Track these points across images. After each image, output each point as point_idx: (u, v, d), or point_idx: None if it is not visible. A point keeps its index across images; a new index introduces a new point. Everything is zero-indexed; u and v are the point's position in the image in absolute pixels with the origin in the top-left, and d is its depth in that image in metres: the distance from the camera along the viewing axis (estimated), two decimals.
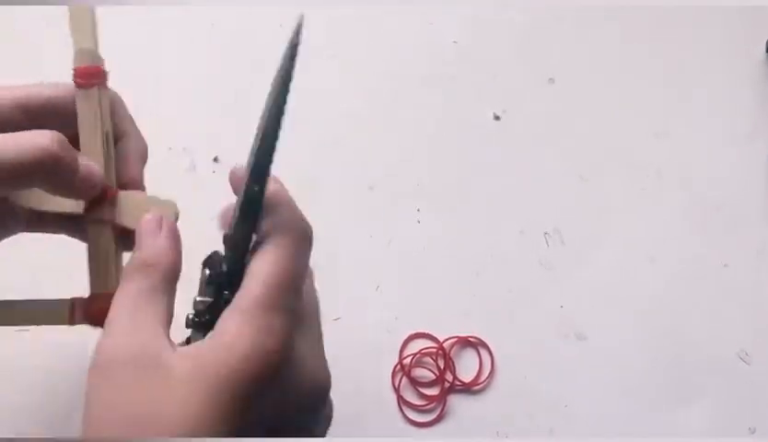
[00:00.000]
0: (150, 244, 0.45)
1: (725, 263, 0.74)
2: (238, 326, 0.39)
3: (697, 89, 0.79)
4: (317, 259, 0.71)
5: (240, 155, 0.74)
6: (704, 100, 0.79)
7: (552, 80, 0.79)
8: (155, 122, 0.75)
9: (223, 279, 0.43)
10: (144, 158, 0.52)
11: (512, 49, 0.80)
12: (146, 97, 0.76)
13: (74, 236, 0.51)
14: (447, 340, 0.70)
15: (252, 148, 0.46)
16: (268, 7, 0.79)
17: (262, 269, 0.41)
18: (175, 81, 0.77)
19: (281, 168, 0.74)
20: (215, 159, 0.74)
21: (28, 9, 0.78)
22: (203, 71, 0.78)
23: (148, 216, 0.46)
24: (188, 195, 0.73)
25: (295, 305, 0.42)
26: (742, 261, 0.74)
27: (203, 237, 0.70)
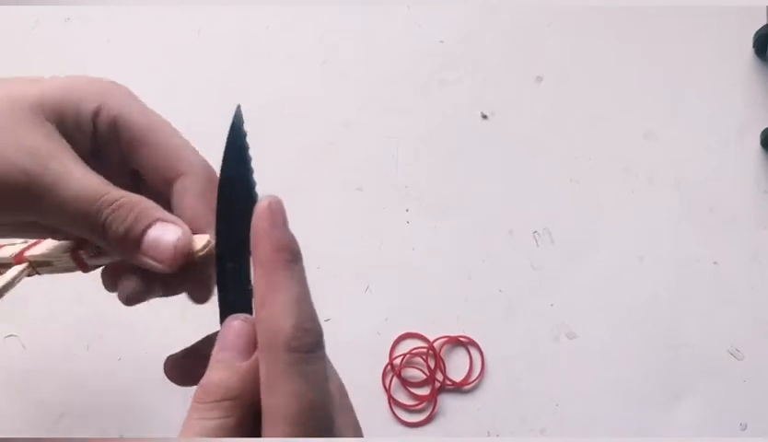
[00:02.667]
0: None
1: (715, 261, 0.74)
2: None
3: (686, 89, 0.79)
4: (307, 260, 0.71)
5: None
6: (694, 100, 0.79)
7: (539, 79, 0.79)
8: None
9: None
10: (203, 194, 0.44)
11: (500, 48, 0.80)
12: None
13: None
14: (437, 340, 0.70)
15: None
16: (252, 13, 0.79)
17: (279, 409, 0.34)
18: (163, 83, 0.77)
19: (269, 171, 0.74)
20: None
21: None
22: (191, 73, 0.78)
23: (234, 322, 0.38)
24: None
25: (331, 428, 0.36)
26: (733, 258, 0.74)
27: None
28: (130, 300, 0.43)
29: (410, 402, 0.68)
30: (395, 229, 0.73)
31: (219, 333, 0.38)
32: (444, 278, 0.72)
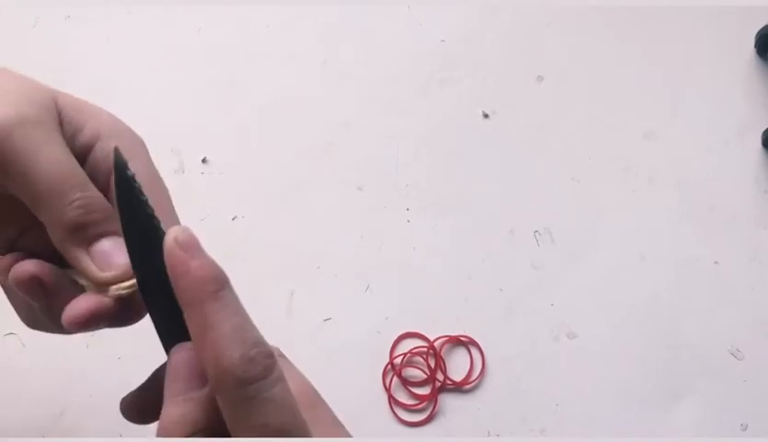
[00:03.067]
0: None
1: (715, 261, 0.74)
2: None
3: (687, 89, 0.79)
4: (307, 260, 0.72)
5: (229, 156, 0.75)
6: (694, 100, 0.79)
7: (540, 78, 0.79)
8: (142, 124, 0.75)
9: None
10: None
11: (500, 48, 0.80)
12: (134, 98, 0.76)
13: None
14: (437, 339, 0.69)
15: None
16: (253, 12, 0.80)
17: None
18: (163, 83, 0.77)
19: (269, 170, 0.74)
20: (204, 160, 0.74)
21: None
22: (191, 73, 0.78)
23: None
24: (176, 197, 0.74)
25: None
26: (733, 258, 0.74)
27: None
28: (80, 325, 0.39)
29: (410, 402, 0.68)
30: (395, 229, 0.73)
31: (167, 366, 0.35)
32: (444, 278, 0.72)
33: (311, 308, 0.70)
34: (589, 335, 0.71)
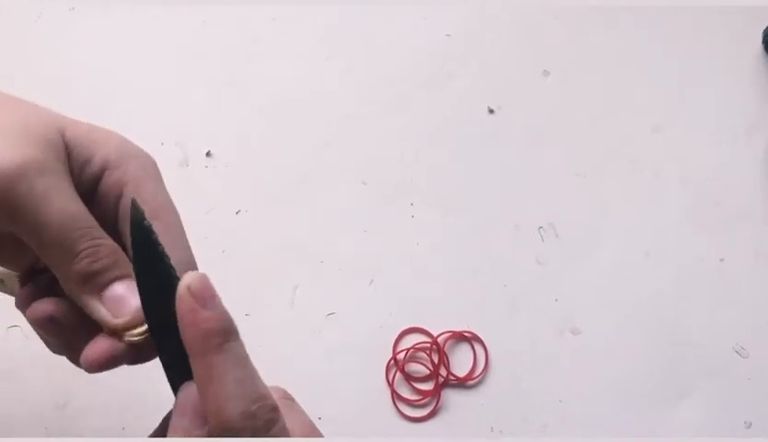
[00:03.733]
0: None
1: (721, 258, 0.73)
2: None
3: (695, 84, 0.79)
4: (311, 254, 0.72)
5: (233, 150, 0.75)
6: (703, 95, 0.79)
7: (546, 73, 0.78)
8: (147, 117, 0.75)
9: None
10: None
11: (506, 42, 0.80)
12: (139, 91, 0.76)
13: None
14: (441, 334, 0.69)
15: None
16: (258, 5, 0.79)
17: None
18: (167, 76, 0.77)
19: (274, 165, 0.74)
20: (208, 154, 0.74)
21: None
22: (196, 66, 0.77)
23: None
24: (180, 190, 0.74)
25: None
26: (739, 256, 0.74)
27: (196, 233, 0.71)
28: (98, 367, 0.40)
29: (413, 397, 0.68)
30: (400, 224, 0.73)
31: (176, 400, 0.36)
32: (448, 273, 0.72)
33: (315, 303, 0.70)
34: (593, 332, 0.71)
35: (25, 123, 0.38)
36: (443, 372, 0.68)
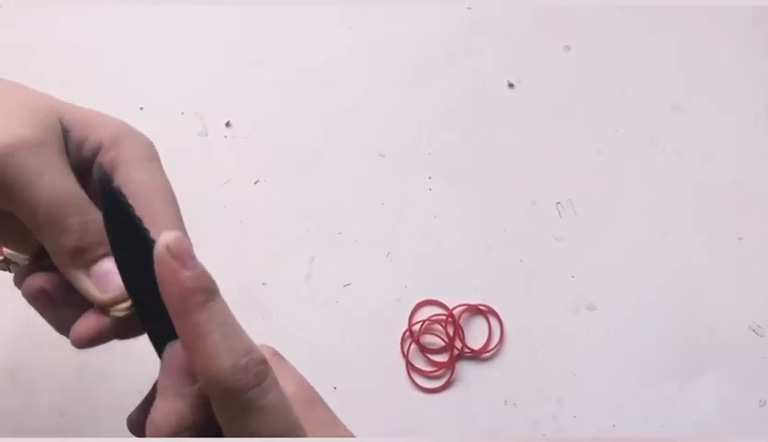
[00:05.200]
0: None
1: (740, 237, 0.73)
2: None
3: (717, 62, 0.78)
4: (328, 226, 0.72)
5: (252, 120, 0.75)
6: (724, 73, 0.78)
7: (567, 48, 0.78)
8: (167, 87, 0.75)
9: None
10: None
11: (527, 15, 0.79)
12: (159, 61, 0.76)
13: None
14: (456, 307, 0.70)
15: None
16: None
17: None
18: (187, 47, 0.77)
19: (292, 136, 0.74)
20: (228, 124, 0.74)
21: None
22: (216, 36, 0.77)
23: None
24: (199, 160, 0.74)
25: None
26: (757, 235, 0.73)
27: (215, 203, 0.71)
28: (85, 342, 0.40)
29: (427, 369, 0.69)
30: (417, 196, 0.73)
31: (162, 362, 0.36)
32: (465, 247, 0.72)
33: (331, 274, 0.70)
34: (609, 308, 0.71)
35: (23, 106, 0.39)
36: (458, 344, 0.69)
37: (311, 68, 0.77)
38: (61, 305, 0.41)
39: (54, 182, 0.38)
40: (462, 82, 0.77)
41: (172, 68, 0.76)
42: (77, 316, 0.40)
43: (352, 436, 0.41)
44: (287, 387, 0.38)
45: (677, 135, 0.76)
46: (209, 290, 0.33)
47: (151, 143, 0.43)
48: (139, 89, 0.74)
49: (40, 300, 0.40)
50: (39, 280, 0.40)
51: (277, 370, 0.36)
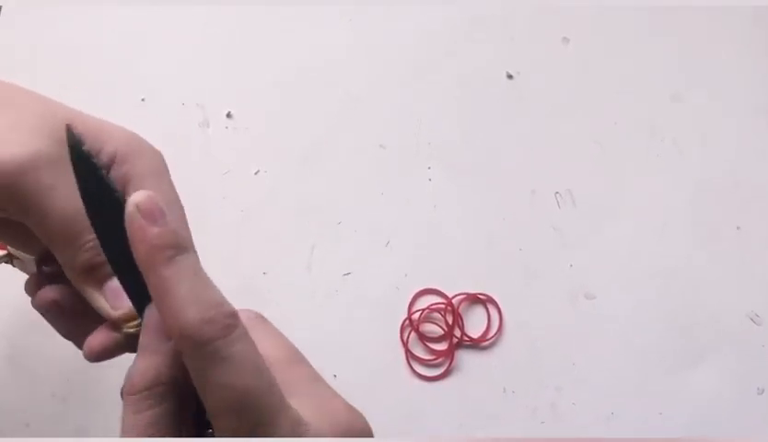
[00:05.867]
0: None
1: (738, 226, 0.73)
2: None
3: (717, 52, 0.78)
4: (328, 215, 0.72)
5: (253, 111, 0.75)
6: (724, 63, 0.78)
7: (566, 40, 0.78)
8: (169, 78, 0.76)
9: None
10: None
11: (527, 7, 0.79)
12: (161, 52, 0.76)
13: None
14: (456, 296, 0.70)
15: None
16: None
17: (216, 403, 0.33)
18: (189, 37, 0.77)
19: (293, 127, 0.75)
20: (229, 115, 0.74)
21: None
22: (218, 27, 0.78)
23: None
24: (200, 150, 0.75)
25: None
26: (756, 224, 0.73)
27: (215, 193, 0.72)
28: (98, 356, 0.41)
29: (427, 357, 0.69)
30: (417, 187, 0.73)
31: (142, 324, 0.36)
32: (464, 236, 0.72)
33: (331, 263, 0.71)
34: (608, 298, 0.71)
35: (34, 116, 0.39)
36: (457, 333, 0.69)
37: (313, 59, 0.77)
38: (72, 316, 0.41)
39: (68, 199, 0.38)
40: (462, 73, 0.77)
41: (174, 60, 0.76)
42: (87, 326, 0.41)
43: (331, 388, 0.41)
44: (269, 347, 0.38)
45: (676, 127, 0.76)
46: (176, 245, 0.33)
47: (161, 155, 0.43)
48: (141, 81, 0.74)
49: (52, 312, 0.41)
50: (51, 293, 0.41)
51: (259, 329, 0.36)
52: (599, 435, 0.68)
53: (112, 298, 0.39)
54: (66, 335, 0.43)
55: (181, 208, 0.43)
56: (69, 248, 0.39)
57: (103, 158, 0.40)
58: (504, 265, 0.72)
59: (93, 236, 0.38)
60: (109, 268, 0.39)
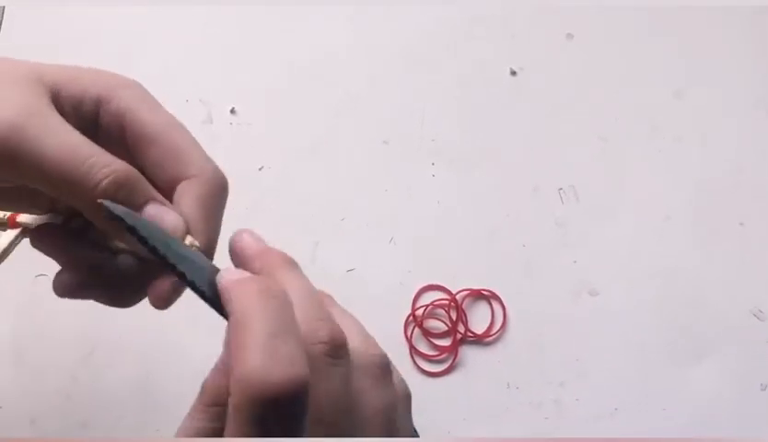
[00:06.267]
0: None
1: (741, 222, 0.73)
2: None
3: (719, 52, 0.78)
4: (332, 211, 0.72)
5: (257, 107, 0.75)
6: (726, 59, 0.78)
7: (570, 36, 0.78)
8: (172, 74, 0.76)
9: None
10: (205, 199, 0.42)
11: (530, 3, 0.79)
12: (163, 48, 0.76)
13: None
14: (459, 292, 0.70)
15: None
16: None
17: None
18: (193, 34, 0.77)
19: (297, 123, 0.75)
20: (232, 111, 0.74)
21: None
22: (221, 23, 0.78)
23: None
24: (204, 147, 0.74)
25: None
26: (759, 220, 0.73)
27: None
28: (63, 292, 0.42)
29: (431, 353, 0.69)
30: (420, 182, 0.73)
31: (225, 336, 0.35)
32: (468, 232, 0.72)
33: (335, 259, 0.71)
34: (611, 293, 0.71)
35: (8, 74, 0.39)
36: (461, 329, 0.69)
37: (315, 56, 0.77)
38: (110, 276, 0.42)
39: (59, 141, 0.37)
40: (465, 70, 0.77)
41: (177, 56, 0.76)
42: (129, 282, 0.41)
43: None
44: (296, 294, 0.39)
45: (679, 122, 0.76)
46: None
47: (141, 85, 0.42)
48: (143, 77, 0.74)
49: (92, 276, 0.42)
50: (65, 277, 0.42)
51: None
52: (603, 430, 0.68)
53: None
54: (110, 299, 0.43)
55: (184, 129, 0.42)
56: (80, 192, 0.37)
57: (89, 104, 0.40)
58: (507, 261, 0.72)
59: (103, 171, 0.37)
60: (138, 198, 0.38)
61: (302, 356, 0.31)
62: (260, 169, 0.73)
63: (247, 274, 0.36)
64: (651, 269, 0.72)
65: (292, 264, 0.39)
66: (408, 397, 0.41)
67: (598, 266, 0.72)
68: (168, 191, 0.41)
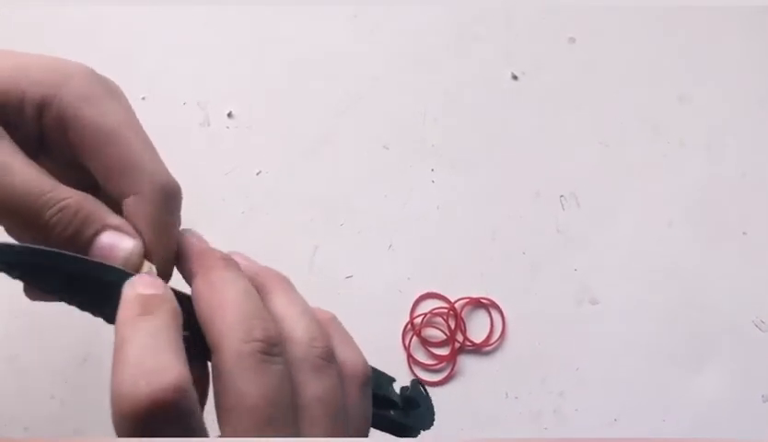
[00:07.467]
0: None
1: (744, 231, 0.73)
2: None
3: (723, 54, 0.78)
4: (331, 217, 0.72)
5: (255, 110, 0.75)
6: (730, 63, 0.77)
7: (572, 40, 0.77)
8: (169, 77, 0.75)
9: None
10: (155, 217, 0.38)
11: (533, 7, 0.79)
12: (161, 51, 0.76)
13: None
14: (458, 300, 0.70)
15: None
16: None
17: None
18: (190, 36, 0.77)
19: (295, 127, 0.74)
20: (230, 114, 0.74)
21: None
22: (219, 26, 0.77)
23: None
24: (201, 150, 0.74)
25: None
26: (761, 228, 0.73)
27: (216, 193, 0.71)
28: (34, 298, 0.39)
29: (429, 362, 0.69)
30: (420, 188, 0.73)
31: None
32: (467, 239, 0.72)
33: (333, 265, 0.70)
34: (612, 301, 0.71)
35: None
36: (459, 337, 0.69)
37: (314, 58, 0.77)
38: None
39: (9, 182, 0.34)
40: (466, 73, 0.77)
41: (174, 59, 0.75)
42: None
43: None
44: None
45: (683, 126, 0.76)
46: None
47: (89, 73, 0.38)
48: (141, 79, 0.74)
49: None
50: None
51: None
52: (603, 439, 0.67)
53: (104, 254, 0.36)
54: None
55: (138, 127, 0.38)
56: (38, 229, 0.35)
57: (30, 111, 0.36)
58: (507, 269, 0.71)
59: (52, 210, 0.35)
60: (87, 230, 0.36)
61: (174, 363, 0.31)
62: (257, 174, 0.72)
63: (148, 290, 0.34)
64: (652, 277, 0.72)
65: (230, 265, 0.37)
66: (360, 375, 0.41)
67: (599, 274, 0.71)
68: (119, 198, 0.37)
